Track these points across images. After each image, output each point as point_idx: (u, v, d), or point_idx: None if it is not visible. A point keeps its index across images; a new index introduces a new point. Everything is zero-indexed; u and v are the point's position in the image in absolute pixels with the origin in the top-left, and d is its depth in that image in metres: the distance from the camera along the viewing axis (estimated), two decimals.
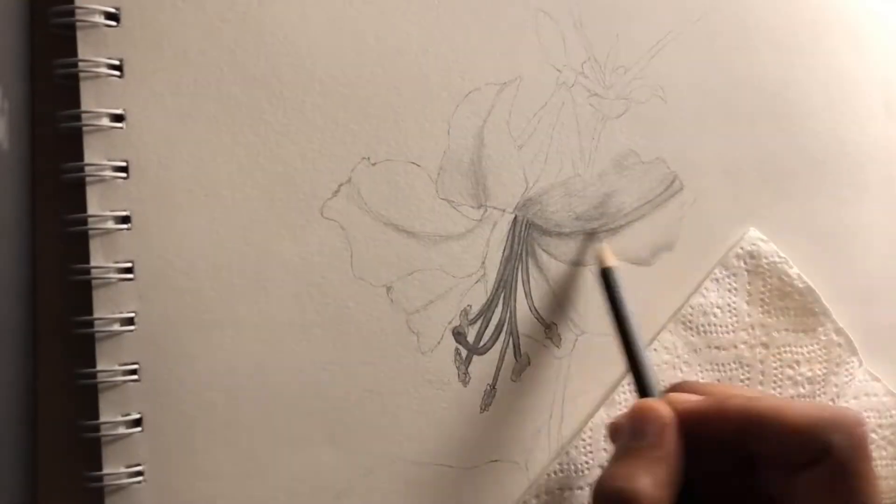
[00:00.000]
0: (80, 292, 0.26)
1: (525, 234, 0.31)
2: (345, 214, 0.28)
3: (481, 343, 0.30)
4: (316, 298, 0.28)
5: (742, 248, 0.35)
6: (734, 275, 0.35)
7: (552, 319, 0.31)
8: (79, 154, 0.26)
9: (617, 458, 0.26)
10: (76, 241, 0.26)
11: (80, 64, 0.25)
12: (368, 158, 0.29)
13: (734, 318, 0.35)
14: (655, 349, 0.33)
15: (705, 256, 0.35)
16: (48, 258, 0.26)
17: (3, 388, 0.23)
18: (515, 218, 0.31)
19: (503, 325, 0.31)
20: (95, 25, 0.26)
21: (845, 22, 0.39)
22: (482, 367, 0.30)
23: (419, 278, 0.29)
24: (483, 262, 0.30)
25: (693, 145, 0.34)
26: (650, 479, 0.24)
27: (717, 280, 0.35)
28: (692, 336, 0.34)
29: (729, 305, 0.35)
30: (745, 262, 0.35)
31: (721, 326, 0.34)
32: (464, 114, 0.30)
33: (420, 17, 0.29)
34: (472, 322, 0.30)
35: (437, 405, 0.29)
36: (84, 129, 0.26)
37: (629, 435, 0.26)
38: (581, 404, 0.32)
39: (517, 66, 0.31)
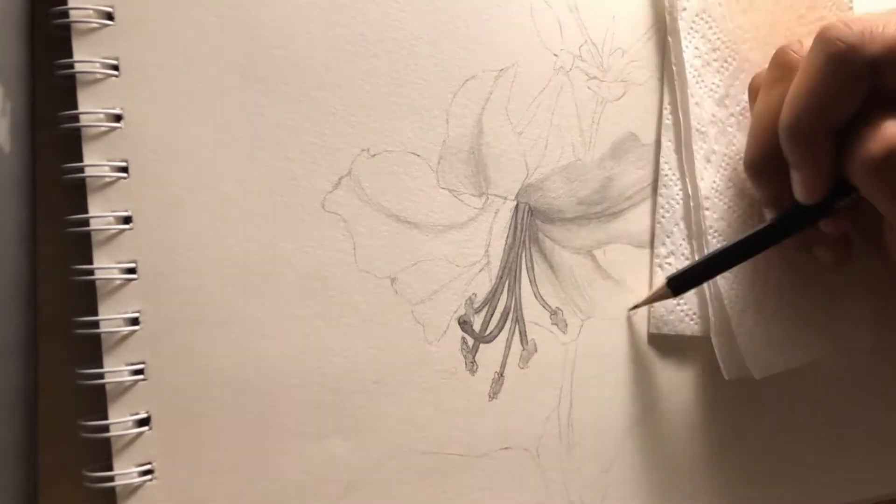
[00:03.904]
0: (83, 293, 0.26)
1: (527, 221, 0.31)
2: (347, 207, 0.28)
3: (487, 331, 0.30)
4: (320, 292, 0.28)
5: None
6: None
7: (557, 305, 0.31)
8: (80, 155, 0.26)
9: None
10: (79, 243, 0.26)
11: (77, 65, 0.25)
12: (368, 150, 0.29)
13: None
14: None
15: None
16: (50, 259, 0.26)
17: (4, 388, 0.23)
18: (517, 205, 0.31)
19: (508, 313, 0.31)
20: (90, 25, 0.26)
21: None
22: (489, 355, 0.30)
23: (423, 269, 0.29)
24: (486, 251, 0.30)
25: None
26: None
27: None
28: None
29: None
30: None
31: None
32: (462, 102, 0.30)
33: (414, 5, 0.29)
34: (478, 310, 0.30)
35: (445, 394, 0.29)
36: (83, 129, 0.26)
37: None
38: (589, 389, 0.31)
39: (513, 51, 0.31)
